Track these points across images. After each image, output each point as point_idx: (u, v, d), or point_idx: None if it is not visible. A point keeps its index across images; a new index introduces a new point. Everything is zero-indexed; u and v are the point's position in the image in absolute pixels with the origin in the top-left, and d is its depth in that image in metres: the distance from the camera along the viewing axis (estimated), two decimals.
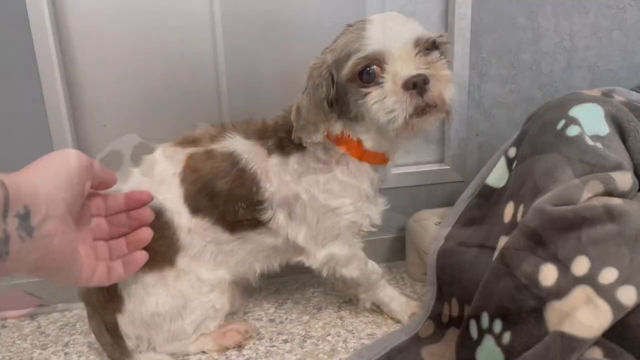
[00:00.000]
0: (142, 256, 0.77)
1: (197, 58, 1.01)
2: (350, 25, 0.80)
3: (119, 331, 0.84)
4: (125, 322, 0.84)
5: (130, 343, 0.85)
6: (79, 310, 1.05)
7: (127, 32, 0.98)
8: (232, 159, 0.84)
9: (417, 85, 0.72)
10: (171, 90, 1.02)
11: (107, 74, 0.99)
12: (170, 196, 0.84)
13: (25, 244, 0.56)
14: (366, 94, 0.75)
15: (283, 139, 0.85)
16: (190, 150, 0.86)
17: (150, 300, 0.83)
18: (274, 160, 0.85)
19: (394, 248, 1.19)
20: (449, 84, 0.75)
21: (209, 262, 0.87)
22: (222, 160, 0.84)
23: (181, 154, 0.85)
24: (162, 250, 0.84)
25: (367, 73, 0.75)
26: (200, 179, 0.84)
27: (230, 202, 0.84)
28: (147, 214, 0.79)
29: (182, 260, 0.85)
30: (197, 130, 0.89)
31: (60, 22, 0.95)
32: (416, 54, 0.74)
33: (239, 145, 0.85)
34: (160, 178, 0.84)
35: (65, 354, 0.92)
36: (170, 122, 1.03)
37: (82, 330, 0.98)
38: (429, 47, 0.76)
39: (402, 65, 0.73)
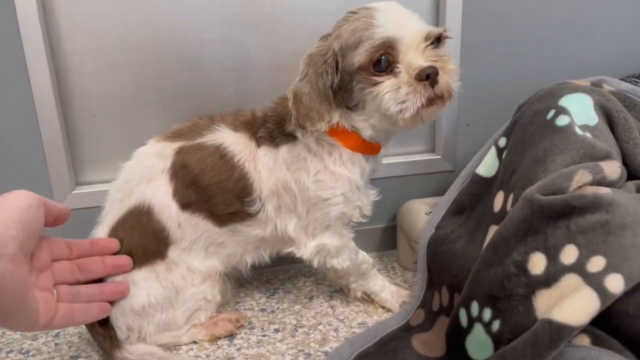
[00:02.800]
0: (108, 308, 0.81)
1: (187, 47, 1.00)
2: (353, 12, 0.79)
3: (109, 322, 0.84)
4: (115, 313, 0.84)
5: (120, 334, 0.84)
6: None
7: (116, 20, 0.96)
8: (220, 152, 0.84)
9: (429, 77, 0.73)
10: (161, 79, 1.01)
11: (96, 63, 0.98)
12: (160, 192, 0.84)
13: None
14: (376, 83, 0.76)
15: (272, 130, 0.85)
16: (179, 144, 0.85)
17: (141, 293, 0.83)
18: (263, 151, 0.85)
19: (385, 237, 1.19)
20: (455, 77, 0.78)
21: (200, 253, 0.87)
22: (210, 153, 0.84)
23: (169, 149, 0.85)
24: (152, 246, 0.84)
25: (381, 62, 0.75)
26: (189, 173, 0.83)
27: (219, 195, 0.84)
28: (125, 262, 0.82)
29: (173, 253, 0.85)
30: (185, 123, 0.89)
31: (47, 9, 0.93)
32: (425, 46, 0.76)
33: (227, 137, 0.85)
34: (150, 174, 0.84)
35: (56, 344, 0.91)
36: (160, 111, 1.02)
37: None
38: (434, 40, 0.77)
39: (415, 57, 0.75)
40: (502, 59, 1.13)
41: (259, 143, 0.85)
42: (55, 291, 0.71)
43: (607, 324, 0.59)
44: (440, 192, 1.11)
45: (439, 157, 1.16)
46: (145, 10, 0.96)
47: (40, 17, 0.91)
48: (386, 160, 1.13)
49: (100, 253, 0.80)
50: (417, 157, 1.16)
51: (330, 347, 0.86)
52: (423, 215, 1.05)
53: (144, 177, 0.84)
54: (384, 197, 1.06)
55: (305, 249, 0.89)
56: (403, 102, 0.74)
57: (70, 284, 0.75)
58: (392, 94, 0.75)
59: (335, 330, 0.91)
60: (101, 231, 0.85)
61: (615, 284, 0.58)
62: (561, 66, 1.17)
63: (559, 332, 0.58)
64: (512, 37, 1.12)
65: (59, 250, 0.75)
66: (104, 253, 0.81)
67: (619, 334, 0.58)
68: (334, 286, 1.05)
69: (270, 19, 1.01)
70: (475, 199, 0.93)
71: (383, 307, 0.97)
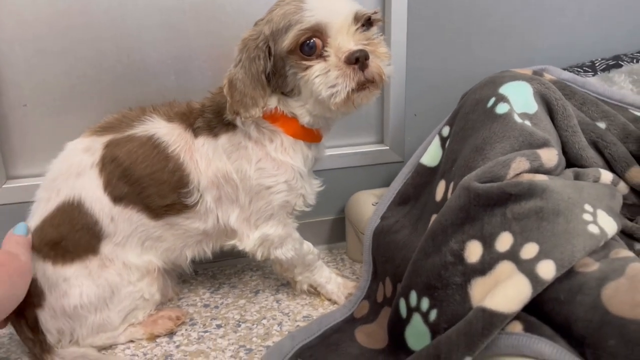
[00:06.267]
0: None
1: (124, 34, 0.95)
2: None
3: (39, 326, 0.80)
4: (45, 316, 0.80)
5: (51, 338, 0.80)
6: None
7: (47, 5, 0.91)
8: (152, 142, 0.81)
9: (359, 60, 0.72)
10: (96, 68, 0.96)
11: (26, 51, 0.93)
12: (90, 186, 0.80)
13: None
14: (307, 67, 0.74)
15: (211, 120, 0.83)
16: (108, 137, 0.82)
17: (73, 292, 0.80)
18: (201, 141, 0.82)
19: (334, 229, 1.18)
20: (387, 61, 0.76)
21: (136, 248, 0.84)
22: (141, 144, 0.81)
23: (98, 143, 0.82)
24: (83, 241, 0.80)
25: (308, 45, 0.74)
26: (119, 166, 0.80)
27: (152, 187, 0.81)
28: None
29: (106, 248, 0.82)
30: (114, 115, 0.85)
31: None
32: (356, 29, 0.74)
33: (159, 128, 0.82)
34: (78, 169, 0.81)
35: None
36: (96, 101, 0.98)
37: None
38: (365, 23, 0.76)
39: (344, 40, 0.73)
40: (449, 48, 1.13)
41: (196, 134, 0.83)
42: None
43: (539, 310, 0.59)
44: (389, 182, 1.09)
45: (388, 147, 1.15)
46: None
47: None
48: (335, 152, 1.12)
49: None
50: (365, 148, 1.15)
51: (273, 342, 0.84)
52: (370, 206, 1.04)
53: (72, 172, 0.80)
54: (333, 189, 1.05)
55: (248, 241, 0.87)
56: (333, 86, 0.73)
57: None
58: (322, 78, 0.73)
59: (279, 324, 0.89)
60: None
61: (547, 270, 0.58)
62: (507, 56, 1.17)
63: (492, 320, 0.57)
64: (458, 27, 1.12)
65: None
66: None
67: (551, 320, 0.58)
68: (281, 280, 1.03)
69: (210, 4, 0.98)
70: (419, 189, 0.92)
71: (329, 300, 0.96)
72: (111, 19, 0.94)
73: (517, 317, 0.59)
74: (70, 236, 0.79)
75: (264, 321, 0.90)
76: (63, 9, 0.92)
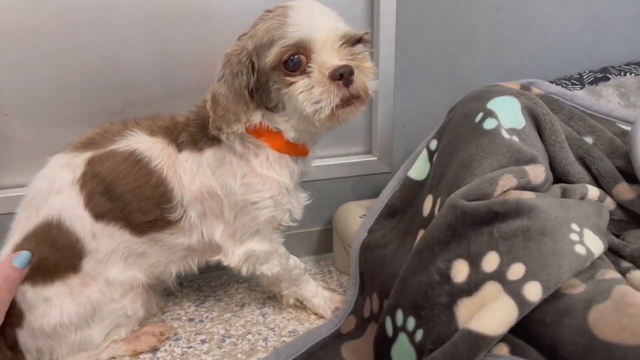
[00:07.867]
0: None
1: (109, 42, 0.94)
2: (269, 11, 0.77)
3: (18, 346, 0.78)
4: (25, 336, 0.78)
5: (30, 358, 0.79)
6: None
7: (30, 14, 0.90)
8: (134, 158, 0.79)
9: (343, 76, 0.71)
10: (80, 77, 0.94)
11: (6, 58, 0.91)
12: (70, 203, 0.78)
13: None
14: (291, 83, 0.73)
15: (195, 134, 0.82)
16: (89, 154, 0.80)
17: (54, 311, 0.78)
18: (185, 156, 0.81)
19: (321, 241, 1.17)
20: (372, 76, 0.76)
21: (119, 264, 0.82)
22: (123, 159, 0.79)
23: (79, 159, 0.80)
24: (64, 259, 0.78)
25: (292, 61, 0.73)
26: (101, 182, 0.78)
27: (134, 203, 0.79)
28: None
29: (88, 265, 0.80)
30: (96, 130, 0.84)
31: None
32: (340, 44, 0.73)
33: (141, 142, 0.81)
34: (58, 187, 0.79)
35: None
36: (79, 110, 0.96)
37: None
38: (353, 42, 0.76)
39: (328, 55, 0.72)
40: (438, 60, 1.13)
41: (179, 148, 0.81)
42: None
43: (525, 332, 0.58)
44: (377, 194, 1.08)
45: (376, 158, 1.14)
46: (61, 2, 0.90)
47: None
48: (323, 162, 1.11)
49: None
50: (353, 159, 1.14)
51: (258, 358, 0.83)
52: (357, 218, 1.03)
53: (52, 190, 0.78)
54: (321, 200, 1.04)
55: (233, 257, 0.86)
56: (317, 102, 0.72)
57: None
58: (306, 94, 0.72)
59: (265, 339, 0.88)
60: (6, 251, 0.79)
61: (534, 292, 0.57)
62: (495, 67, 1.17)
63: (477, 343, 0.56)
64: (446, 38, 1.12)
65: None
66: None
67: (537, 342, 0.58)
68: (267, 293, 1.01)
69: (198, 13, 0.97)
70: (407, 203, 0.91)
71: (316, 314, 0.95)
72: (96, 28, 0.93)
73: (504, 339, 0.58)
74: (50, 256, 0.77)
75: (249, 336, 0.89)
76: (46, 17, 0.90)
